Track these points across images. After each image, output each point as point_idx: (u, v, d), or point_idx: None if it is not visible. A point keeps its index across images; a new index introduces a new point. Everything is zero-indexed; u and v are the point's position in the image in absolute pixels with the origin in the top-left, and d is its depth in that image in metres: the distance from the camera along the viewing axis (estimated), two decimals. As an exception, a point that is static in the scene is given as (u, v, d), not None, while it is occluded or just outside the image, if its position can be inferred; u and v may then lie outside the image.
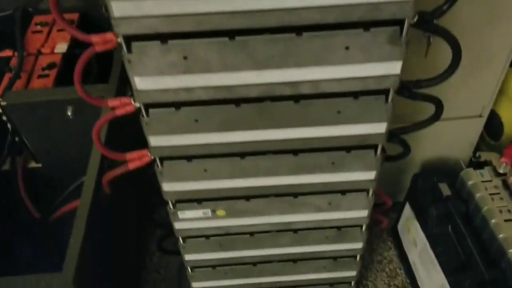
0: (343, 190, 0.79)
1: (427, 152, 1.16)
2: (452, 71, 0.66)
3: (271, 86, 0.62)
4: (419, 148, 1.14)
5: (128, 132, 0.86)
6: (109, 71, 1.02)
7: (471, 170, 1.01)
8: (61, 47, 1.16)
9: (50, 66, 1.10)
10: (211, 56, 0.58)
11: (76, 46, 1.15)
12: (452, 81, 1.01)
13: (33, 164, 1.14)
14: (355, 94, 0.64)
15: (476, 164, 1.03)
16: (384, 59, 0.60)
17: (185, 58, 0.58)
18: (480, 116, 1.09)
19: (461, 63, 0.98)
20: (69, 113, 0.98)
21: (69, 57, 1.12)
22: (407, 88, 0.68)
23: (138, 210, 1.24)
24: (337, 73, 0.61)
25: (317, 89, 0.63)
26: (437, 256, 0.99)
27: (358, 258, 0.95)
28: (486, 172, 1.01)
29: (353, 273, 0.99)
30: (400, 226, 1.19)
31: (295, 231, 0.87)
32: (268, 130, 0.68)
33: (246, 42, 0.57)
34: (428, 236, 1.03)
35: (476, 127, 1.12)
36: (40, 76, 1.07)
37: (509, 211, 0.93)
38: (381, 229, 1.18)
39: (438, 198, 1.02)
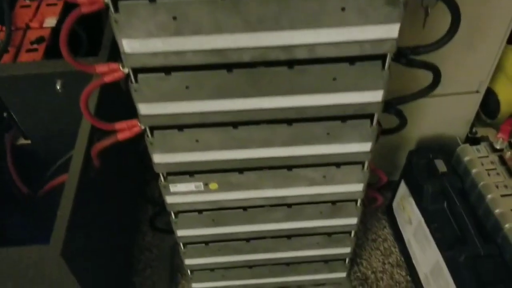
0: (338, 162, 0.77)
1: (423, 129, 1.14)
2: (451, 36, 0.65)
3: (265, 50, 0.60)
4: (415, 125, 1.13)
5: (120, 107, 0.83)
6: (100, 46, 1.00)
7: (467, 146, 1.00)
8: (50, 22, 1.13)
9: (39, 40, 1.07)
10: (201, 16, 0.56)
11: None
12: (449, 56, 1.00)
13: (22, 141, 1.12)
14: (351, 60, 0.62)
15: (473, 140, 1.02)
16: (381, 21, 0.57)
17: (174, 18, 0.56)
18: (477, 92, 1.08)
19: (458, 37, 0.96)
20: (58, 87, 0.96)
21: (58, 32, 1.09)
22: (404, 54, 0.66)
23: (130, 187, 1.22)
24: (332, 36, 0.59)
25: (312, 54, 0.61)
26: (432, 232, 0.98)
27: (352, 234, 0.94)
28: (483, 148, 1.00)
29: (347, 250, 0.98)
30: (395, 204, 1.18)
31: (289, 205, 0.85)
32: (261, 98, 0.66)
33: (238, 2, 0.55)
34: (423, 213, 1.02)
35: (473, 103, 1.10)
36: (28, 50, 1.05)
37: (505, 186, 0.92)
38: (376, 207, 1.17)
39: (433, 174, 1.01)
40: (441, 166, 1.02)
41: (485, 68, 1.04)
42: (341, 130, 0.72)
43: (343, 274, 1.06)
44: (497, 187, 0.91)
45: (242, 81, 0.64)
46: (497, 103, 1.25)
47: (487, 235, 0.89)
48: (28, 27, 1.12)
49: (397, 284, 1.10)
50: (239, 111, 0.68)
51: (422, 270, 1.04)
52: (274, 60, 0.62)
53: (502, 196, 0.90)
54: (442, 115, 1.11)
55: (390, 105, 0.74)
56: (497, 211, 0.88)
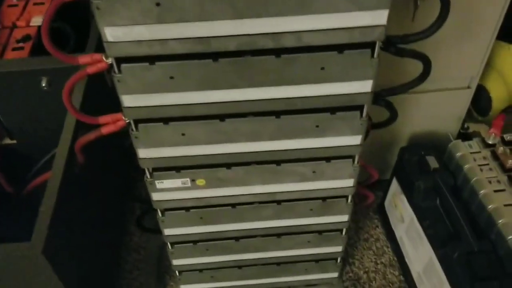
0: (328, 157, 0.76)
1: (415, 125, 1.13)
2: (441, 23, 0.64)
3: (251, 38, 0.58)
4: (406, 121, 1.12)
5: (106, 103, 0.81)
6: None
7: (459, 141, 0.99)
8: (37, 20, 1.12)
9: (25, 38, 1.06)
10: (186, 2, 0.55)
11: (52, 20, 1.10)
12: (439, 50, 0.99)
13: (7, 141, 1.10)
14: (340, 48, 0.61)
15: (465, 136, 1.01)
16: (370, 7, 0.56)
17: (158, 4, 0.55)
18: (468, 87, 1.07)
19: (448, 31, 0.96)
20: (43, 84, 0.94)
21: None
22: (394, 43, 0.65)
23: (117, 185, 1.20)
24: (320, 23, 0.57)
25: (300, 42, 0.59)
26: (425, 229, 0.96)
27: (343, 232, 0.93)
28: (475, 143, 0.99)
29: (338, 249, 0.96)
30: (387, 203, 1.16)
31: (279, 202, 0.83)
32: (248, 89, 0.65)
33: (223, -13, 0.54)
34: (415, 210, 1.00)
35: (464, 99, 1.09)
36: (14, 49, 1.03)
37: (498, 181, 0.90)
38: (367, 205, 1.16)
39: (425, 171, 1.00)
40: (433, 162, 1.01)
41: (476, 63, 1.03)
42: (331, 123, 0.70)
43: (335, 274, 1.04)
44: (490, 182, 0.90)
45: (228, 71, 0.62)
46: (488, 100, 1.24)
47: (481, 231, 0.88)
48: (14, 25, 1.10)
49: (390, 284, 1.09)
50: (226, 103, 0.66)
51: (415, 268, 1.02)
52: (261, 49, 0.60)
53: (495, 191, 0.89)
54: (434, 111, 1.10)
55: (379, 96, 0.73)
56: (490, 206, 0.87)
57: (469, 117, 1.33)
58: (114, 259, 1.14)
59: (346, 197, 0.84)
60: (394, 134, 1.14)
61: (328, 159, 0.76)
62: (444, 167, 1.00)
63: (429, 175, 0.99)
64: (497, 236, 0.84)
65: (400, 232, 1.09)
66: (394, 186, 1.10)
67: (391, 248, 1.15)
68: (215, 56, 0.61)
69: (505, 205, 0.86)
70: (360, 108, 0.69)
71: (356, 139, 0.73)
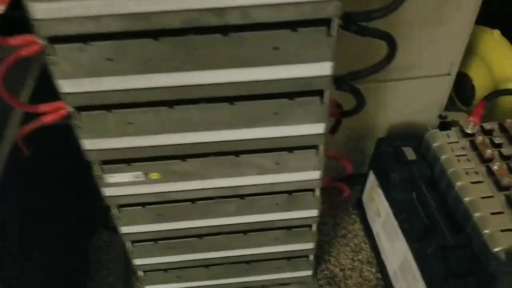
0: (290, 147, 0.71)
1: (392, 115, 1.08)
2: (404, -3, 0.58)
3: (194, 13, 0.53)
4: (384, 111, 1.07)
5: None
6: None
7: (436, 131, 0.93)
8: (-4, 8, 1.06)
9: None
10: (115, -27, 0.49)
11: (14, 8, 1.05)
12: (415, 35, 0.94)
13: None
14: (293, 26, 0.56)
15: (444, 126, 0.96)
16: (321, -22, 0.51)
17: (84, -25, 0.49)
18: (448, 74, 1.02)
19: (423, 14, 0.91)
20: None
21: (6, 19, 1.02)
22: (354, 20, 0.59)
23: (76, 182, 1.13)
24: (267, -4, 0.52)
25: (248, 18, 0.54)
26: (400, 224, 0.91)
27: (313, 228, 0.87)
28: (453, 133, 0.93)
29: (310, 246, 0.91)
30: (364, 197, 1.11)
31: (242, 197, 0.78)
32: (196, 73, 0.59)
33: (155, -45, 0.48)
34: (391, 204, 0.95)
35: (444, 87, 1.04)
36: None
37: (476, 172, 0.85)
38: (343, 199, 1.11)
39: (402, 162, 0.95)
40: (409, 153, 0.96)
41: (455, 48, 0.98)
42: (290, 110, 0.65)
43: (309, 272, 0.99)
44: (467, 173, 0.85)
45: (172, 52, 0.57)
46: (472, 88, 1.20)
47: (457, 225, 0.83)
48: None
49: (367, 282, 1.04)
50: (172, 88, 0.61)
51: (391, 265, 0.97)
52: (205, 27, 0.55)
53: (472, 183, 0.83)
54: (412, 100, 1.06)
55: (342, 81, 0.67)
56: (466, 199, 0.81)
57: (453, 107, 1.28)
58: (80, 259, 1.08)
59: (312, 190, 0.79)
60: (371, 124, 1.09)
61: (290, 149, 0.71)
62: (421, 158, 0.95)
63: (405, 166, 0.94)
64: (472, 230, 0.79)
65: (377, 227, 1.04)
66: (371, 179, 1.06)
67: (369, 244, 1.10)
68: (155, 34, 0.56)
69: (482, 198, 0.81)
70: (320, 93, 0.64)
71: (318, 128, 0.68)
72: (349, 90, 0.69)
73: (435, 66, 1.00)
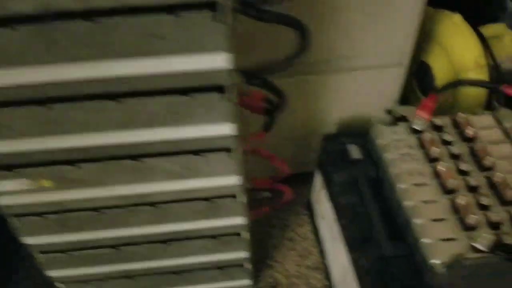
0: (196, 149, 0.62)
1: (342, 110, 1.00)
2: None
3: (44, -5, 0.44)
4: (332, 106, 0.98)
5: None
6: None
7: (382, 127, 0.85)
8: None
9: None
10: None
11: None
12: (359, 22, 0.85)
13: None
14: (170, 9, 0.47)
15: (392, 121, 0.87)
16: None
17: None
18: (400, 64, 0.93)
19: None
20: None
21: None
22: (251, 3, 0.50)
23: None
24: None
25: (116, 1, 0.45)
26: (342, 229, 0.83)
27: (243, 235, 0.79)
28: (401, 129, 0.85)
29: (241, 254, 0.83)
30: (313, 198, 1.03)
31: (152, 204, 0.70)
32: (64, 65, 0.50)
33: None
34: (334, 207, 0.87)
35: (396, 78, 0.96)
36: None
37: (420, 174, 0.77)
38: (284, 202, 1.02)
39: (346, 162, 0.87)
40: (355, 152, 0.88)
41: (406, 34, 0.89)
42: (188, 108, 0.56)
43: (246, 282, 0.91)
44: (410, 175, 0.77)
45: (32, 42, 0.48)
46: (432, 78, 1.11)
47: (396, 232, 0.75)
48: None
49: (312, 290, 0.96)
50: (42, 85, 0.52)
51: (335, 274, 0.89)
52: (66, 12, 0.46)
53: (415, 185, 0.75)
54: (362, 93, 0.97)
55: (253, 76, 0.58)
56: (406, 203, 0.73)
57: (415, 99, 1.20)
58: (3, 268, 1.00)
59: (233, 195, 0.71)
60: (319, 120, 1.01)
61: (196, 152, 0.62)
62: (367, 157, 0.87)
63: (348, 167, 0.86)
64: (412, 238, 0.71)
65: (323, 231, 0.96)
66: (318, 179, 0.97)
67: (319, 248, 1.02)
68: (9, 21, 0.46)
69: (424, 202, 0.73)
70: (221, 89, 0.55)
71: (225, 128, 0.59)
72: (261, 85, 0.60)
73: (385, 55, 0.92)
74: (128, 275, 0.85)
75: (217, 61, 0.51)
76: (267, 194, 1.02)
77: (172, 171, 0.64)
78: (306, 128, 1.03)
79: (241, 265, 0.87)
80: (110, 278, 0.85)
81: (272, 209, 0.97)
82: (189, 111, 0.56)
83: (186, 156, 0.63)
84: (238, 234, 0.79)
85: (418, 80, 1.14)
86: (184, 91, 0.55)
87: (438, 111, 0.88)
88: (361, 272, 0.75)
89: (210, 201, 0.70)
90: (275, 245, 1.03)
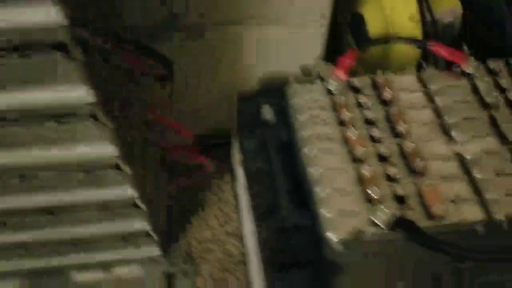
0: (53, 114, 0.54)
1: (262, 70, 0.92)
2: None
3: None
4: (256, 65, 0.91)
5: None
6: None
7: (297, 86, 0.77)
8: None
9: None
10: None
11: None
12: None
13: None
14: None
15: (308, 80, 0.80)
16: None
17: None
18: (321, 20, 0.85)
19: None
20: None
21: None
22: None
23: None
24: None
25: None
26: (251, 199, 0.78)
27: (140, 206, 0.73)
28: (318, 88, 0.78)
29: (141, 225, 0.77)
30: (233, 163, 0.97)
31: (23, 176, 0.63)
32: None
33: None
34: (245, 175, 0.81)
35: (317, 37, 0.87)
36: None
37: (329, 139, 0.71)
38: (207, 173, 0.97)
39: (257, 124, 0.80)
40: (268, 113, 0.81)
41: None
42: (29, 69, 0.48)
43: (155, 251, 0.86)
44: (319, 139, 0.70)
45: None
46: (365, 30, 1.03)
47: (299, 202, 0.69)
48: None
49: (228, 257, 0.91)
50: None
51: (246, 243, 0.85)
52: None
53: (323, 151, 0.69)
54: (284, 52, 0.89)
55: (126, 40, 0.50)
56: (310, 170, 0.67)
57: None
58: None
59: (117, 167, 0.64)
60: (242, 80, 0.93)
61: (55, 117, 0.54)
62: (281, 119, 0.80)
63: (259, 130, 0.79)
64: (314, 209, 0.66)
65: (240, 198, 0.91)
66: (235, 144, 0.91)
67: (239, 214, 0.97)
68: None
69: (329, 170, 0.67)
70: (61, 46, 0.47)
71: (81, 92, 0.51)
72: (138, 51, 0.52)
73: (304, 12, 0.83)
74: (21, 247, 0.79)
75: (50, 15, 0.43)
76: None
77: (40, 136, 0.57)
78: (231, 89, 0.95)
79: (147, 235, 0.81)
80: (3, 249, 0.79)
81: (196, 181, 0.93)
82: (31, 73, 0.48)
83: (48, 122, 0.55)
84: (136, 205, 0.73)
85: (353, 33, 1.06)
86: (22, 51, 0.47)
87: (371, 70, 0.81)
88: (261, 244, 0.70)
89: (87, 172, 0.64)
90: (193, 210, 0.98)
